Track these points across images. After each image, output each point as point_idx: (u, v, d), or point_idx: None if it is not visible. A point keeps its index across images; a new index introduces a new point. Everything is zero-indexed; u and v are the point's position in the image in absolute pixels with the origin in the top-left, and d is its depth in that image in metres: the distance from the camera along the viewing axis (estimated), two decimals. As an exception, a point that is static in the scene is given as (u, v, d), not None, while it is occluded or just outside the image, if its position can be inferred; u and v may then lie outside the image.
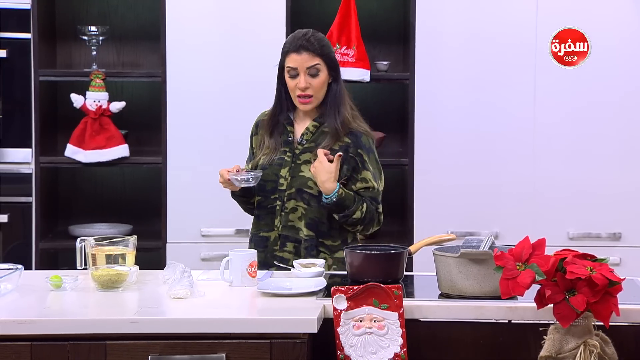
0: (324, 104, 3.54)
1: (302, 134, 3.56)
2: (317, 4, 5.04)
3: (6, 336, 2.74)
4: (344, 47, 4.74)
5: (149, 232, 4.78)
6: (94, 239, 3.33)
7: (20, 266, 3.15)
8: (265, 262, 3.49)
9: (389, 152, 4.97)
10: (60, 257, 4.93)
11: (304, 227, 3.49)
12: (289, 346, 2.76)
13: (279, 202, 3.52)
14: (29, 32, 4.64)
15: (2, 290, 2.99)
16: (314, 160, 3.48)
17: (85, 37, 4.82)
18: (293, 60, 3.48)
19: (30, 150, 4.69)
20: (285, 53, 3.52)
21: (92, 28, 4.81)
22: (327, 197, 3.42)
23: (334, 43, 4.74)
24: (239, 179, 3.46)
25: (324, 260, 3.35)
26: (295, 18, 4.77)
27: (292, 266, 3.31)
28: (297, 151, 3.54)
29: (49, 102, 4.90)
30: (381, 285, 2.86)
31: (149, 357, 2.76)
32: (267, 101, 4.66)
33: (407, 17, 4.82)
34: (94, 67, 4.81)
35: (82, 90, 4.75)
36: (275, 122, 3.57)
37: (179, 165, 4.70)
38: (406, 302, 2.88)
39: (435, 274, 3.07)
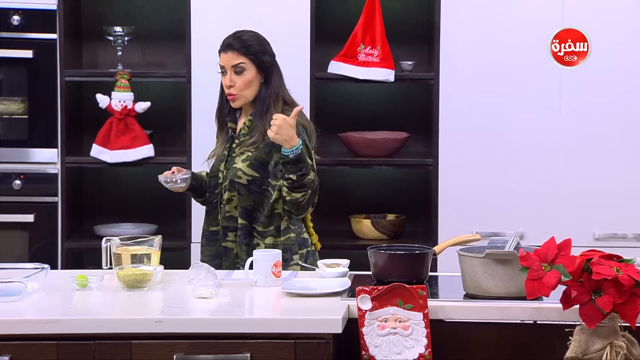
0: (255, 101, 3.66)
1: (240, 129, 3.69)
2: (342, 4, 5.03)
3: (32, 335, 2.75)
4: (369, 47, 4.74)
5: (173, 232, 4.79)
6: (119, 238, 3.34)
7: (46, 266, 3.17)
8: (218, 254, 3.65)
9: (413, 153, 4.96)
10: (86, 257, 4.96)
11: (238, 215, 3.61)
12: (314, 346, 2.76)
13: (225, 194, 3.63)
14: (55, 32, 4.66)
15: (29, 290, 3.01)
16: (245, 152, 3.59)
17: (111, 38, 4.84)
18: (221, 59, 3.65)
19: (56, 150, 4.72)
20: (218, 53, 3.67)
21: (118, 28, 4.83)
22: (291, 149, 3.47)
23: (358, 43, 4.74)
24: (167, 181, 3.62)
25: (348, 260, 3.35)
26: (320, 18, 4.77)
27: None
28: (234, 145, 3.67)
29: (75, 103, 4.93)
30: (406, 285, 2.86)
31: (174, 356, 2.77)
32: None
33: (431, 16, 4.81)
34: (120, 67, 4.83)
35: (107, 90, 4.77)
36: (220, 119, 3.73)
37: (203, 166, 4.70)
38: (431, 302, 2.87)
39: (459, 274, 3.06)
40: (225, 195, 3.63)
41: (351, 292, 3.01)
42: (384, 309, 2.84)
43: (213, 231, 3.68)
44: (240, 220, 3.61)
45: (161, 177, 3.65)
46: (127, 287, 3.13)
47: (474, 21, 4.65)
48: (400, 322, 2.83)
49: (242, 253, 3.59)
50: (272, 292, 3.11)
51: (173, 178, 3.64)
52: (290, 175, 3.51)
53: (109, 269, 3.33)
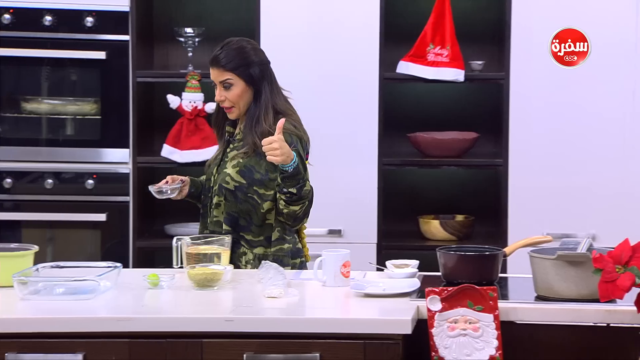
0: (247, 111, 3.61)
1: (236, 134, 3.65)
2: (411, 4, 5.01)
3: (105, 333, 2.78)
4: (438, 47, 4.71)
5: (243, 232, 4.81)
6: (190, 238, 3.37)
7: (119, 264, 3.20)
8: None
9: (482, 153, 4.92)
10: (157, 256, 5.01)
11: (223, 221, 3.57)
12: (383, 347, 2.75)
13: (215, 198, 3.61)
14: (127, 34, 4.72)
15: (102, 288, 3.04)
16: (236, 157, 3.56)
17: (182, 39, 4.89)
18: (211, 74, 3.62)
19: (127, 150, 4.77)
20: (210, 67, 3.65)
21: (189, 29, 4.87)
22: (290, 164, 3.41)
23: (427, 43, 4.72)
24: (155, 190, 3.59)
25: (418, 261, 3.34)
26: (389, 18, 4.76)
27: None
28: (228, 150, 3.64)
29: (146, 103, 4.98)
30: (476, 286, 2.84)
31: (244, 355, 2.78)
32: (359, 99, 4.69)
33: (502, 16, 4.76)
34: (190, 68, 4.87)
35: (178, 91, 4.82)
36: (217, 125, 3.70)
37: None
38: (501, 304, 2.85)
39: (530, 276, 3.03)
40: (215, 200, 3.59)
41: (420, 293, 2.99)
42: (454, 310, 2.82)
43: (204, 234, 3.61)
44: (224, 227, 3.55)
45: (150, 188, 3.60)
46: (198, 286, 3.15)
47: (545, 20, 4.60)
48: (470, 323, 2.81)
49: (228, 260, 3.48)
50: (341, 292, 3.11)
51: (162, 188, 3.58)
52: (290, 190, 3.45)
53: (180, 268, 3.36)
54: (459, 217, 4.90)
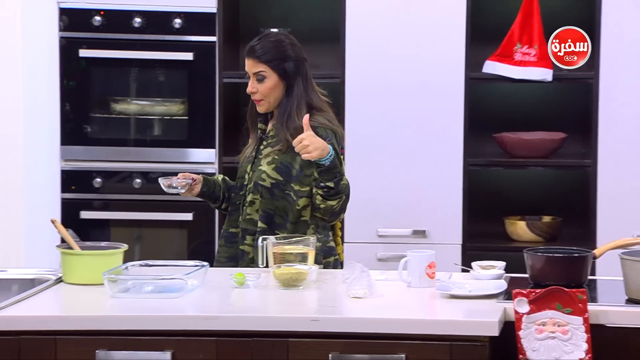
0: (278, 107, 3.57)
1: (269, 131, 3.61)
2: (497, 4, 4.96)
3: (193, 331, 2.81)
4: (526, 47, 4.66)
5: (327, 232, 4.82)
6: (275, 238, 3.38)
7: (206, 263, 3.23)
8: (234, 257, 3.57)
9: (570, 153, 4.85)
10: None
11: (258, 218, 3.53)
12: (470, 349, 2.73)
13: (243, 198, 3.59)
14: (214, 35, 4.76)
15: (189, 287, 3.08)
16: (271, 154, 3.53)
17: (267, 40, 4.91)
18: (245, 65, 3.57)
19: (214, 150, 4.81)
20: (245, 58, 3.60)
21: (274, 30, 4.88)
22: (326, 158, 3.38)
23: (514, 42, 4.67)
24: (165, 184, 3.56)
25: (504, 263, 3.31)
26: (475, 18, 4.72)
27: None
28: (261, 147, 3.60)
29: (232, 104, 5.02)
30: (565, 289, 2.80)
31: (330, 355, 2.78)
32: (444, 99, 4.66)
33: (592, 14, 4.68)
34: (276, 68, 4.89)
35: (263, 91, 4.84)
36: (251, 120, 3.66)
37: (358, 167, 4.71)
38: (591, 306, 2.80)
39: (620, 278, 2.97)
40: (249, 198, 3.55)
41: (507, 295, 2.96)
42: (542, 313, 2.79)
43: (232, 233, 3.59)
44: (260, 224, 3.51)
45: (161, 180, 3.57)
46: (283, 286, 3.16)
47: (636, 19, 4.51)
48: (559, 326, 2.77)
49: (257, 257, 3.43)
50: (426, 293, 3.10)
51: (173, 183, 3.56)
52: (327, 184, 3.42)
53: (265, 267, 3.37)
54: (546, 219, 4.84)
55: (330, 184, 3.43)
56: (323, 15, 5.06)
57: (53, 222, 3.38)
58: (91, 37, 4.75)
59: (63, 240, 3.33)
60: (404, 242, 4.60)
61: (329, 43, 5.00)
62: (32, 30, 4.90)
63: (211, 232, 4.83)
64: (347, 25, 4.68)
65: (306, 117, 3.39)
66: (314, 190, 3.48)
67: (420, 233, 4.67)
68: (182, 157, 4.84)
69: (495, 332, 2.74)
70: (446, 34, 4.63)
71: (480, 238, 4.81)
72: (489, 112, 4.99)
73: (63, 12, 4.74)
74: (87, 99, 4.85)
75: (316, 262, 3.38)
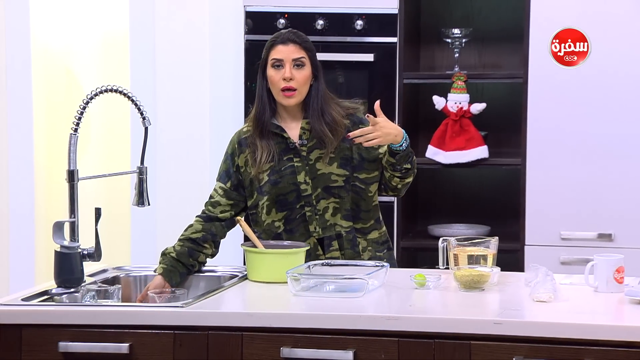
0: (306, 102, 3.44)
1: (300, 135, 3.45)
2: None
3: (375, 331, 2.82)
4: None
5: (506, 234, 4.75)
6: (456, 239, 3.36)
7: (386, 264, 3.25)
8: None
9: None
10: (419, 256, 5.04)
11: (341, 220, 3.43)
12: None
13: (308, 208, 3.41)
14: (395, 36, 4.76)
15: (370, 287, 3.09)
16: (324, 155, 3.41)
17: (449, 40, 4.89)
18: (279, 52, 3.42)
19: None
20: (270, 46, 3.45)
21: (456, 30, 4.86)
22: (402, 141, 3.36)
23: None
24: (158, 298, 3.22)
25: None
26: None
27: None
28: (304, 153, 3.43)
29: (412, 104, 5.02)
30: None
31: (513, 359, 2.74)
32: (635, 97, 4.51)
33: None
34: (456, 69, 4.87)
35: (443, 92, 4.82)
36: (262, 126, 3.43)
37: (538, 167, 4.64)
38: None
39: None
40: (320, 205, 3.41)
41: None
42: None
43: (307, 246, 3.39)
44: (345, 224, 3.42)
45: (151, 292, 3.25)
46: (464, 288, 3.14)
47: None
48: None
49: (348, 258, 3.41)
50: (613, 298, 3.01)
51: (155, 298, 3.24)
52: (405, 166, 3.40)
53: (446, 268, 3.36)
54: None
55: (408, 165, 3.43)
56: (506, 14, 5.00)
57: (238, 220, 3.46)
58: (275, 40, 4.84)
59: (247, 239, 3.41)
60: (588, 246, 4.49)
61: (511, 42, 4.95)
62: (219, 33, 5.04)
63: (390, 233, 4.78)
64: (531, 23, 4.60)
65: (377, 102, 3.38)
66: (388, 173, 3.45)
67: (606, 236, 4.54)
68: (362, 157, 4.86)
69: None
70: (631, 31, 4.49)
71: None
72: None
73: (248, 15, 4.85)
74: (270, 100, 4.94)
75: (389, 246, 3.52)
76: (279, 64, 3.43)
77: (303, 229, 3.44)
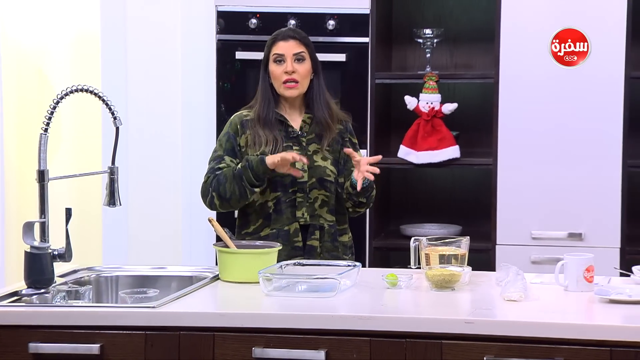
0: (308, 96, 3.66)
1: (301, 127, 3.65)
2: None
3: (347, 331, 2.82)
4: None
5: (478, 233, 4.76)
6: (427, 239, 3.37)
7: (358, 263, 3.25)
8: (288, 255, 3.53)
9: None
10: (392, 256, 5.05)
11: (326, 213, 3.62)
12: (631, 355, 2.66)
13: (300, 195, 3.59)
14: (367, 36, 4.76)
15: (342, 286, 3.09)
16: (320, 150, 3.63)
17: (421, 40, 4.90)
18: (280, 48, 3.63)
19: (365, 151, 4.82)
20: (271, 44, 3.66)
21: (427, 31, 4.87)
22: (364, 183, 3.56)
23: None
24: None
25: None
26: (636, 15, 4.58)
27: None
28: (304, 143, 3.63)
29: (384, 104, 5.02)
30: None
31: (485, 358, 2.75)
32: (603, 99, 4.54)
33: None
34: (428, 69, 4.88)
35: (415, 92, 4.83)
36: (265, 117, 3.62)
37: (510, 166, 4.66)
38: None
39: None
40: (312, 194, 3.61)
41: (670, 301, 2.87)
42: None
43: (285, 230, 3.60)
44: (329, 217, 3.62)
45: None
46: (436, 287, 3.15)
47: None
48: None
49: (326, 250, 3.61)
50: (583, 297, 3.03)
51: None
52: (361, 199, 3.63)
53: (417, 268, 3.37)
54: None
55: (363, 200, 3.65)
56: (477, 15, 5.02)
57: (210, 221, 3.45)
58: (247, 39, 4.83)
59: (219, 239, 3.40)
60: (559, 245, 4.51)
61: (482, 43, 4.97)
62: (190, 33, 5.03)
63: (362, 232, 4.83)
64: (502, 24, 4.62)
65: (347, 150, 3.59)
66: (345, 197, 3.65)
67: (576, 236, 4.57)
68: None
69: (658, 338, 2.66)
70: (605, 32, 4.52)
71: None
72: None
73: (220, 14, 4.83)
74: (242, 100, 4.92)
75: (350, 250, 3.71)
76: (280, 59, 3.63)
77: (290, 214, 3.59)
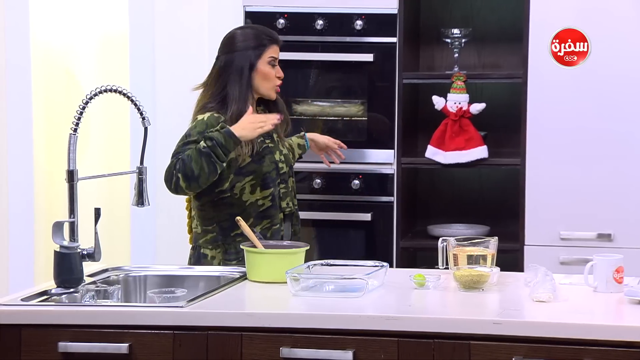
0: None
1: None
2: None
3: (374, 331, 2.82)
4: None
5: (506, 234, 4.75)
6: (455, 239, 3.36)
7: (385, 264, 3.25)
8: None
9: None
10: (419, 256, 5.04)
11: (294, 197, 3.85)
12: (660, 357, 2.65)
13: (282, 185, 3.76)
14: (394, 36, 4.76)
15: (369, 287, 3.09)
16: (280, 139, 3.84)
17: (448, 40, 4.88)
18: (275, 51, 3.78)
19: (392, 151, 4.82)
20: (266, 45, 3.76)
21: (455, 30, 4.86)
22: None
23: None
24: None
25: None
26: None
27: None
28: (275, 136, 3.80)
29: (411, 104, 5.02)
30: None
31: (513, 359, 2.74)
32: (630, 99, 4.51)
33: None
34: (456, 69, 4.87)
35: (443, 92, 4.82)
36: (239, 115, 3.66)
37: (538, 167, 4.64)
38: None
39: None
40: (290, 183, 3.81)
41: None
42: None
43: (277, 222, 3.74)
44: (296, 201, 3.84)
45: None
46: (464, 288, 3.14)
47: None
48: None
49: (299, 232, 3.84)
50: (613, 298, 3.02)
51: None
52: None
53: (445, 268, 3.36)
54: None
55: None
56: (505, 15, 5.00)
57: (237, 221, 3.46)
58: (276, 40, 4.84)
59: (246, 238, 3.41)
60: (588, 246, 4.48)
61: (510, 43, 4.95)
62: (218, 33, 5.03)
63: (389, 233, 4.83)
64: (530, 24, 4.59)
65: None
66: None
67: (605, 236, 4.54)
68: (361, 157, 4.86)
69: (686, 340, 2.65)
70: (634, 30, 4.48)
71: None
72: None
73: (248, 15, 4.84)
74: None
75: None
76: (274, 63, 3.78)
77: (277, 206, 3.74)
